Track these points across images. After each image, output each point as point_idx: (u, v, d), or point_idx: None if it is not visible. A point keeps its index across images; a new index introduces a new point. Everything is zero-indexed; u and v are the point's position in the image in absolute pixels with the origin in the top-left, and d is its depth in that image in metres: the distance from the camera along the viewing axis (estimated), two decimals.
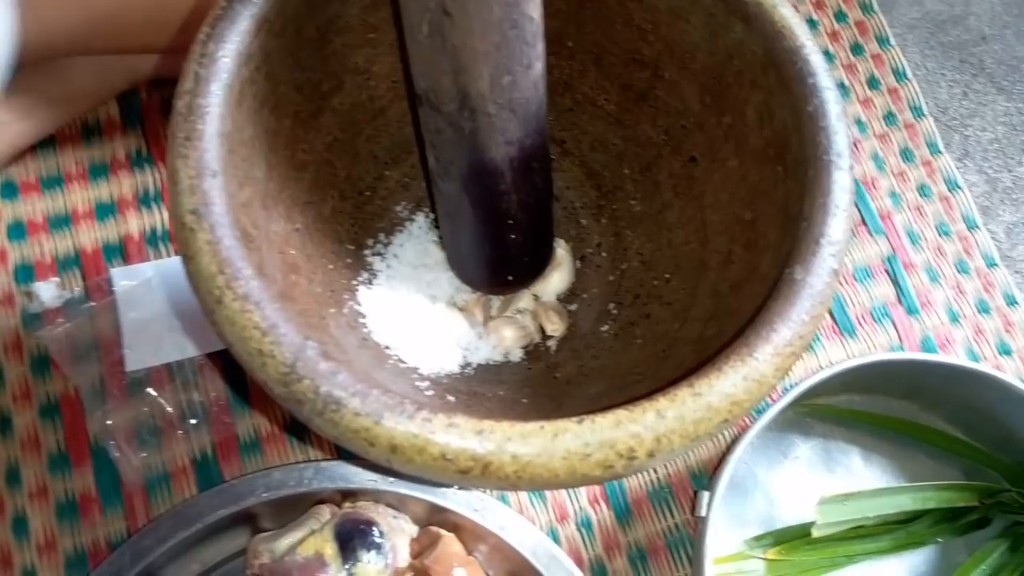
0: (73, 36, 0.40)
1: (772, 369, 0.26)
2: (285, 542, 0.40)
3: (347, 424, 0.25)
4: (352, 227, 0.40)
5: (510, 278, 0.41)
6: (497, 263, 0.40)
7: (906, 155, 0.55)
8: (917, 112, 0.56)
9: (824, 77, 0.31)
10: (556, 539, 0.44)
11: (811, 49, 0.31)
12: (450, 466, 0.25)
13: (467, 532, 0.42)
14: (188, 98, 0.29)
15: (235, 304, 0.26)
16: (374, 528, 0.40)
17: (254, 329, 0.26)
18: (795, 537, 0.42)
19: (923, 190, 0.54)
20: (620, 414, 0.25)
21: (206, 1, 0.42)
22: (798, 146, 0.31)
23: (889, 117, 0.55)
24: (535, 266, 0.41)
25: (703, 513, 0.40)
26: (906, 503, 0.41)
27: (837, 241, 0.28)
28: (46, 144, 0.49)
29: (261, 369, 0.26)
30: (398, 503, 0.42)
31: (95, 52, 0.44)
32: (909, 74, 0.57)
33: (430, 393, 0.36)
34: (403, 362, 0.37)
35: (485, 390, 0.38)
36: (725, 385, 0.26)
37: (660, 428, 0.25)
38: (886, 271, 0.51)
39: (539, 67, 0.32)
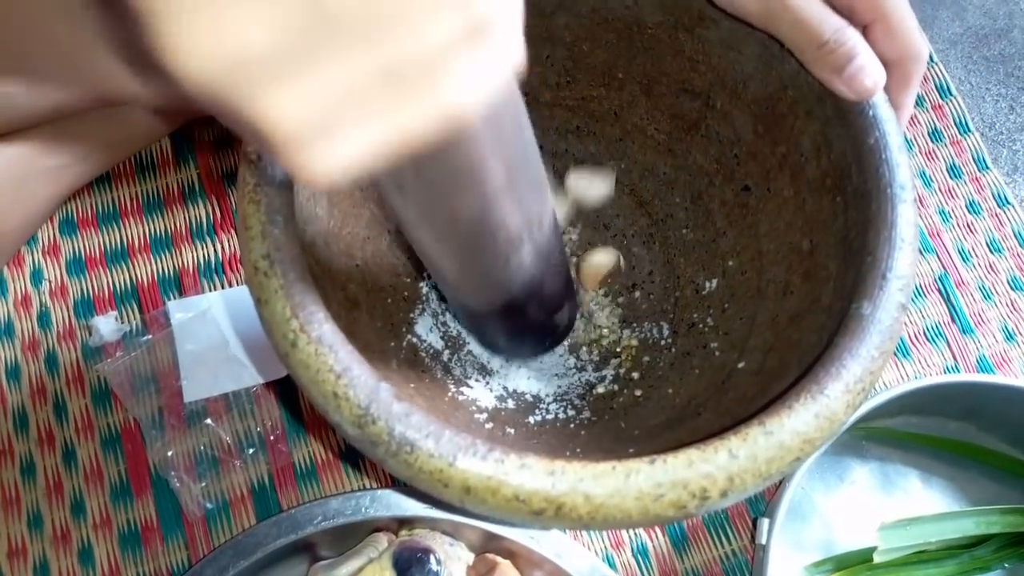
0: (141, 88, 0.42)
1: (843, 406, 0.26)
2: (344, 570, 0.41)
3: (421, 466, 0.25)
4: (408, 259, 0.40)
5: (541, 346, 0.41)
6: (487, 344, 0.41)
7: (953, 172, 0.54)
8: (963, 128, 0.55)
9: (884, 108, 0.31)
10: (612, 566, 0.44)
11: None
12: (523, 507, 0.25)
13: (523, 559, 0.42)
14: None
15: (309, 348, 0.26)
16: (431, 556, 0.40)
17: (328, 372, 0.26)
18: (856, 563, 0.42)
19: (972, 207, 0.53)
20: (692, 454, 0.25)
21: None
22: (859, 178, 0.31)
23: (935, 134, 0.55)
24: (532, 351, 0.41)
25: (763, 541, 0.39)
26: (970, 527, 0.41)
27: (904, 275, 0.28)
28: (102, 180, 0.51)
29: (336, 411, 0.26)
30: (454, 530, 0.42)
31: (160, 101, 0.45)
32: (953, 90, 0.56)
33: (489, 426, 0.36)
34: (462, 394, 0.38)
35: (542, 420, 0.38)
36: (796, 423, 0.26)
37: (733, 468, 0.25)
38: (938, 290, 0.51)
39: (523, 256, 0.30)
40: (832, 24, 0.30)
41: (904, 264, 0.28)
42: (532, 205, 0.29)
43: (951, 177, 0.54)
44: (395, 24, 0.15)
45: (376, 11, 0.15)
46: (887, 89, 0.31)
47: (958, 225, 0.53)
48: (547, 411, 0.39)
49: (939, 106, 0.56)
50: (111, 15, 0.19)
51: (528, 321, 0.36)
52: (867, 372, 0.27)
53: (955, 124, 0.55)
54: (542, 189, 0.30)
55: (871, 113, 0.30)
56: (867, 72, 0.30)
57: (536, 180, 0.29)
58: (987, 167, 0.54)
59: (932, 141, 0.55)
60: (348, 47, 0.15)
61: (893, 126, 0.30)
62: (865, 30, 0.32)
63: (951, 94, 0.56)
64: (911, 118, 0.55)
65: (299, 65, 0.15)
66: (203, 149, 0.52)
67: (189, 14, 0.14)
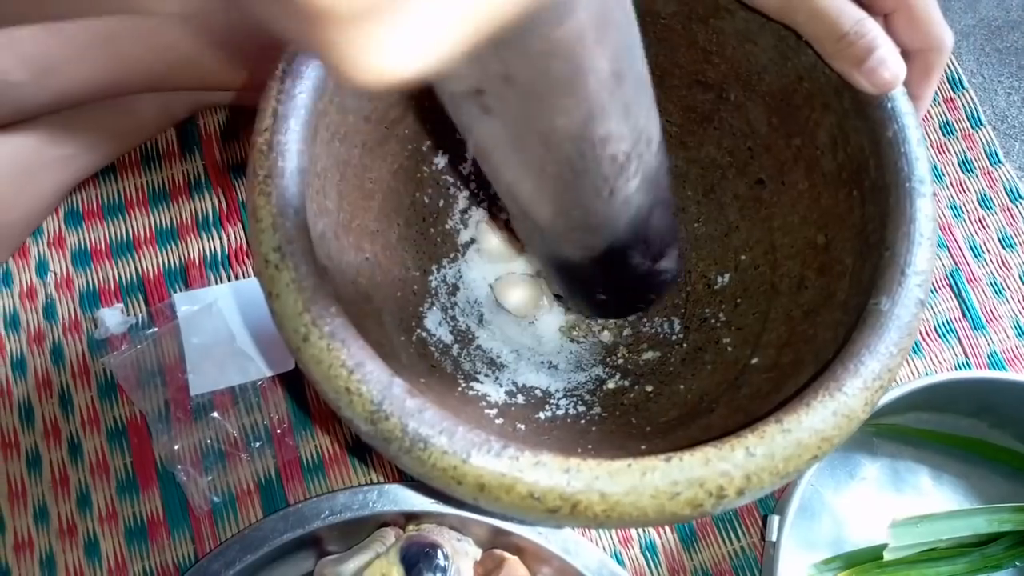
0: (147, 77, 0.41)
1: (861, 404, 0.26)
2: (351, 566, 0.40)
3: (434, 462, 0.25)
4: (417, 254, 0.40)
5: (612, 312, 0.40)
6: (585, 306, 0.38)
7: (965, 166, 0.54)
8: (975, 121, 0.55)
9: (903, 101, 0.30)
10: (620, 562, 0.44)
11: None
12: (538, 505, 0.25)
13: (530, 555, 0.42)
14: (268, 135, 0.29)
15: (321, 342, 0.26)
16: (439, 551, 0.40)
17: (341, 367, 0.26)
18: (865, 560, 0.42)
19: (984, 201, 0.53)
20: (709, 451, 0.25)
21: (274, 42, 0.42)
22: (877, 171, 0.30)
23: (946, 128, 0.55)
24: (628, 309, 0.39)
25: (773, 538, 0.39)
26: (982, 525, 0.41)
27: (923, 271, 0.28)
28: (107, 172, 0.50)
29: (348, 407, 0.26)
30: (461, 525, 0.42)
31: (167, 90, 0.45)
32: (965, 83, 0.56)
33: (500, 422, 0.36)
34: (472, 389, 0.37)
35: (552, 416, 0.38)
36: (814, 421, 0.25)
37: (750, 466, 0.25)
38: (949, 286, 0.50)
39: (631, 187, 0.27)
40: (851, 15, 0.30)
41: (923, 259, 0.28)
42: (641, 114, 0.25)
43: (963, 171, 0.53)
44: None
45: None
46: (906, 80, 0.31)
47: (970, 220, 0.52)
48: (557, 407, 0.39)
49: (951, 99, 0.55)
50: None
51: (631, 271, 0.32)
52: (885, 369, 0.26)
53: (967, 117, 0.55)
54: (649, 93, 0.25)
55: (890, 106, 0.30)
56: (887, 65, 0.29)
57: (644, 81, 0.24)
58: (999, 161, 0.53)
59: (944, 135, 0.54)
60: None
61: (912, 119, 0.30)
62: (886, 19, 0.31)
63: (963, 87, 0.55)
64: None
65: None
66: (209, 140, 0.51)
67: None
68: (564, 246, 0.31)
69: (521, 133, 0.22)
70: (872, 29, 0.30)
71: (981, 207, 0.53)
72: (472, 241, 0.43)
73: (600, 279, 0.33)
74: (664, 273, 0.35)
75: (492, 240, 0.42)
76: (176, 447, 0.45)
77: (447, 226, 0.42)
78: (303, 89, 0.30)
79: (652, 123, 0.26)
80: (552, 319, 0.43)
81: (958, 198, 0.53)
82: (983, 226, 0.52)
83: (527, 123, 0.22)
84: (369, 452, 0.46)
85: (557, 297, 0.43)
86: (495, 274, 0.42)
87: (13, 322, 0.47)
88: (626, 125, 0.24)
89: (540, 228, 0.29)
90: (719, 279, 0.39)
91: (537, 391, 0.39)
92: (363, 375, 0.26)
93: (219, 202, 0.50)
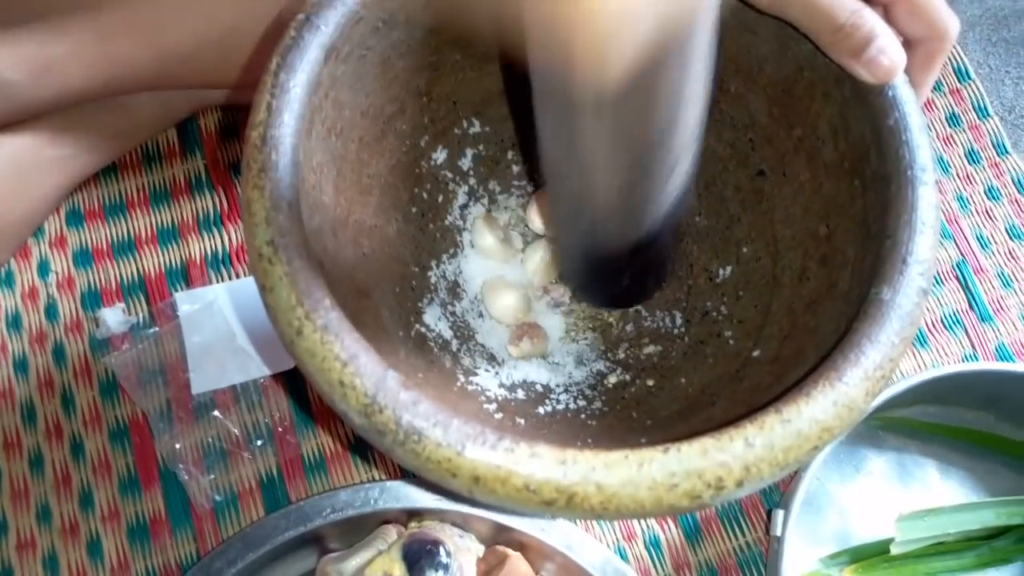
0: (145, 75, 0.41)
1: (862, 394, 0.26)
2: (353, 563, 0.40)
3: (428, 455, 0.25)
4: (416, 249, 0.40)
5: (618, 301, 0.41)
6: (605, 295, 0.40)
7: (972, 157, 0.53)
8: (982, 112, 0.54)
9: (904, 89, 0.30)
10: (624, 558, 0.44)
11: None
12: (534, 497, 0.24)
13: (533, 551, 0.41)
14: (261, 128, 0.29)
15: (315, 335, 0.26)
16: (441, 548, 0.40)
17: (335, 360, 0.26)
18: (872, 554, 0.41)
19: (991, 192, 0.52)
20: (707, 442, 0.24)
21: (270, 38, 0.42)
22: (878, 160, 0.30)
23: (952, 119, 0.54)
24: (644, 294, 0.41)
25: (778, 532, 0.39)
26: (990, 519, 0.40)
27: (925, 260, 0.27)
28: (108, 171, 0.50)
29: (342, 400, 0.26)
30: (463, 522, 0.42)
31: (164, 88, 0.45)
32: (972, 73, 0.55)
33: (499, 416, 0.36)
34: (471, 384, 0.37)
35: (552, 411, 0.38)
36: (814, 411, 0.25)
37: (749, 457, 0.24)
38: (956, 277, 0.50)
39: (683, 171, 0.29)
40: (847, 6, 0.30)
41: (925, 248, 0.27)
42: (702, 100, 0.27)
43: (969, 163, 0.53)
44: None
45: None
46: (907, 68, 0.30)
47: (976, 211, 0.52)
48: (557, 401, 0.38)
49: (957, 90, 0.55)
50: None
51: (658, 252, 0.34)
52: (887, 359, 0.26)
53: (973, 108, 0.54)
54: (710, 75, 0.27)
55: (891, 94, 0.30)
56: (887, 54, 0.29)
57: (709, 65, 0.26)
58: (1007, 152, 0.53)
59: (950, 126, 0.54)
60: None
61: (913, 107, 0.29)
62: (886, 9, 0.31)
63: (969, 77, 0.55)
64: (928, 102, 0.54)
65: None
66: (210, 139, 0.51)
67: None
68: (612, 236, 0.32)
69: (625, 136, 0.24)
70: (869, 19, 0.29)
71: (988, 198, 0.52)
72: (470, 240, 0.42)
73: (629, 265, 0.35)
74: (674, 252, 0.37)
75: (487, 238, 0.42)
76: (178, 446, 0.45)
77: (446, 222, 0.42)
78: (297, 83, 0.30)
79: (704, 103, 0.28)
80: (553, 316, 0.42)
81: (964, 189, 0.52)
82: (990, 217, 0.51)
83: (637, 126, 0.23)
84: (371, 449, 0.46)
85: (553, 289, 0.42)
86: (491, 272, 0.42)
87: (15, 322, 0.47)
88: (696, 112, 0.26)
89: (595, 221, 0.31)
90: (721, 272, 0.39)
91: (537, 386, 0.39)
92: (357, 368, 0.25)
93: (220, 201, 0.50)
